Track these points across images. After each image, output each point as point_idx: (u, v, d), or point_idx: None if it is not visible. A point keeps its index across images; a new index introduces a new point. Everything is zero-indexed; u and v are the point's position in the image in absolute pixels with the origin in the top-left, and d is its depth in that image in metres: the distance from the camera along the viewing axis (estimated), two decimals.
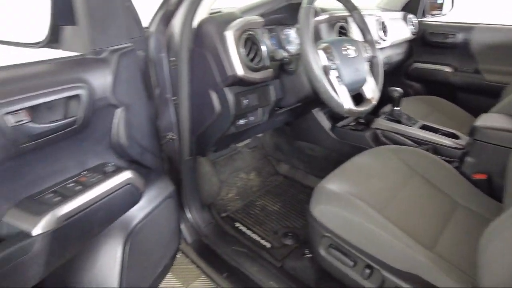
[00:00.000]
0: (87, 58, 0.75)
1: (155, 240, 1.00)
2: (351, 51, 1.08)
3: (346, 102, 1.01)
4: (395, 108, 1.53)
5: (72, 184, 0.71)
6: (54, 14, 0.75)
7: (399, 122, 1.50)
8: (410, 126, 1.47)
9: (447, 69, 2.00)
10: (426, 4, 2.13)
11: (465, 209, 0.98)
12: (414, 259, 0.81)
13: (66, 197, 0.67)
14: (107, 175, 0.74)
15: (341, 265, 0.94)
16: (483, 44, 1.85)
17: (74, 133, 0.71)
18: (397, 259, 0.83)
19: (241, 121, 1.14)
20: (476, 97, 1.92)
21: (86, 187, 0.70)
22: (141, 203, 0.87)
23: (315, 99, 1.13)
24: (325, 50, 1.01)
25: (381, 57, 1.23)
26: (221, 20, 0.99)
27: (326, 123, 1.62)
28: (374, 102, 1.16)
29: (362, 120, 1.64)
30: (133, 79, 0.83)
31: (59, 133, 0.67)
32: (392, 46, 1.86)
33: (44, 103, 0.64)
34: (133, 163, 0.88)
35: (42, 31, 0.78)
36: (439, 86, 2.05)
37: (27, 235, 0.61)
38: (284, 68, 1.12)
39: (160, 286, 1.07)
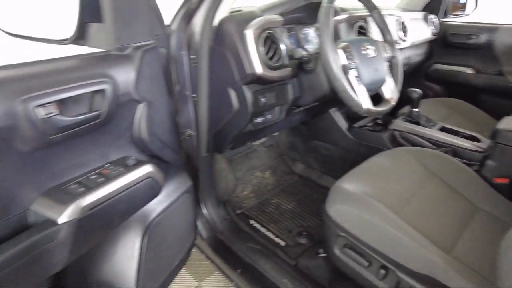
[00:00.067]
0: (112, 54, 0.78)
1: (172, 234, 1.02)
2: (370, 50, 1.08)
3: (364, 101, 1.00)
4: (414, 109, 1.50)
5: (95, 176, 0.73)
6: (81, 11, 0.77)
7: (417, 123, 1.48)
8: (429, 128, 1.45)
9: (469, 71, 1.95)
10: (448, 4, 2.09)
11: (485, 213, 0.97)
12: (431, 261, 0.80)
13: (90, 188, 0.70)
14: (129, 168, 0.76)
15: (356, 265, 0.94)
16: (508, 45, 1.80)
17: (98, 127, 0.73)
18: (413, 260, 0.83)
19: (259, 119, 1.15)
20: (498, 100, 1.87)
21: (109, 179, 0.73)
22: (160, 197, 0.89)
23: (333, 98, 1.13)
24: (344, 49, 1.01)
25: (400, 57, 1.22)
26: (241, 19, 1.00)
27: (343, 123, 1.61)
28: (393, 102, 1.15)
29: (379, 121, 1.62)
30: (155, 75, 0.85)
31: (84, 126, 0.69)
32: (412, 46, 1.83)
33: (71, 96, 0.66)
34: (153, 158, 0.90)
35: (69, 28, 0.80)
36: (460, 88, 2.00)
37: (53, 223, 0.63)
38: (302, 67, 1.12)
39: (174, 281, 1.09)
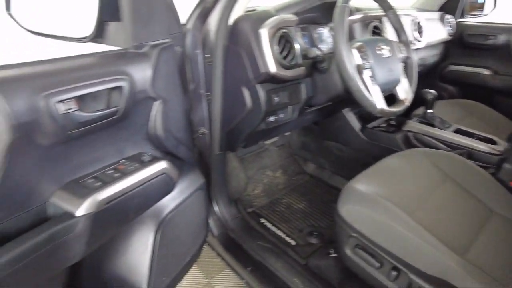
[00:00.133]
0: (129, 52, 0.79)
1: (185, 230, 1.03)
2: (385, 51, 1.07)
3: (378, 102, 1.00)
4: (428, 110, 1.49)
5: (111, 171, 0.75)
6: (101, 10, 0.79)
7: (432, 125, 1.46)
8: (444, 130, 1.43)
9: (486, 72, 1.92)
10: (465, 4, 2.05)
11: (501, 217, 0.95)
12: (443, 264, 0.79)
13: (106, 183, 0.71)
14: (144, 164, 0.78)
15: (367, 265, 0.93)
16: None
17: (115, 123, 0.75)
18: (425, 262, 0.82)
19: (271, 118, 1.15)
20: None
21: (124, 174, 0.74)
22: (173, 193, 0.91)
23: (346, 98, 1.12)
24: (359, 49, 1.01)
25: (415, 58, 1.21)
26: (256, 18, 1.01)
27: (356, 124, 1.60)
28: (407, 103, 1.14)
29: (393, 122, 1.61)
30: (171, 73, 0.86)
31: (102, 122, 0.71)
32: (427, 47, 1.81)
33: (90, 93, 0.68)
34: (167, 155, 0.92)
35: (88, 27, 0.82)
36: (476, 89, 1.97)
37: (71, 215, 0.65)
38: (316, 66, 1.12)
39: (184, 278, 1.10)
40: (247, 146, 1.41)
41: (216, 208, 1.33)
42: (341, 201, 0.99)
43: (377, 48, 1.05)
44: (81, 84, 0.66)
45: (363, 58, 1.00)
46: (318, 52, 1.08)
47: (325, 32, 1.23)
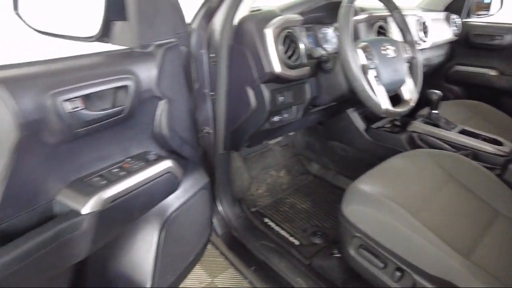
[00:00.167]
0: (135, 51, 0.80)
1: (189, 229, 1.04)
2: (390, 51, 1.07)
3: (383, 102, 1.00)
4: (433, 111, 1.48)
5: (116, 170, 0.76)
6: (107, 10, 0.80)
7: (437, 125, 1.46)
8: (449, 130, 1.42)
9: (492, 73, 1.90)
10: (471, 4, 2.04)
11: (506, 218, 0.94)
12: (448, 265, 0.79)
13: (111, 181, 0.72)
14: (149, 163, 0.78)
15: (371, 266, 0.93)
16: None
17: (120, 122, 0.75)
18: (430, 263, 0.82)
19: (276, 118, 1.15)
20: None
21: (130, 173, 0.75)
22: (178, 192, 0.91)
23: (351, 98, 1.12)
24: (364, 49, 1.01)
25: (420, 58, 1.20)
26: (261, 18, 1.01)
27: (360, 124, 1.60)
28: (412, 103, 1.14)
29: (397, 122, 1.60)
30: (176, 73, 0.87)
31: (108, 121, 0.72)
32: (433, 47, 1.80)
33: (96, 92, 0.68)
34: (172, 154, 0.92)
35: (94, 27, 0.83)
36: (482, 90, 1.96)
37: (77, 213, 0.66)
38: (321, 66, 1.12)
39: (188, 277, 1.11)
40: (251, 146, 1.41)
41: (220, 208, 1.33)
42: (345, 201, 0.99)
43: (382, 48, 1.05)
44: (88, 83, 0.67)
45: (368, 58, 1.00)
46: (323, 52, 1.08)
47: (329, 32, 1.23)
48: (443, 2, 2.03)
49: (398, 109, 1.08)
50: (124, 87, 0.73)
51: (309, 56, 1.08)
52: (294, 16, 1.06)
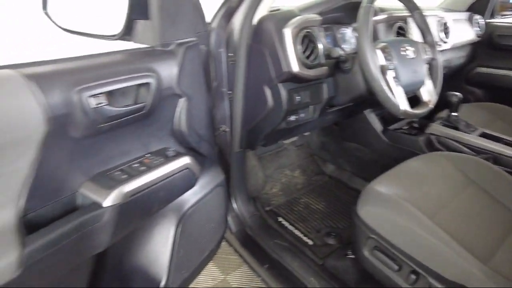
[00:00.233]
0: (157, 50, 0.82)
1: (204, 225, 1.05)
2: (409, 52, 1.06)
3: (402, 103, 0.99)
4: (453, 113, 1.45)
5: (137, 165, 0.77)
6: (130, 9, 0.82)
7: (456, 128, 1.43)
8: (469, 134, 1.39)
9: None
10: (496, 4, 1.99)
11: None
12: (465, 270, 0.77)
13: (132, 175, 0.74)
14: (168, 159, 0.80)
15: (385, 268, 0.93)
16: None
17: (141, 118, 0.77)
18: (446, 268, 0.81)
19: (292, 117, 1.16)
20: None
21: (149, 168, 0.76)
22: (195, 188, 0.93)
23: (368, 99, 1.12)
24: (383, 49, 1.00)
25: (441, 59, 1.19)
26: (280, 18, 1.02)
27: (377, 125, 1.58)
28: (431, 105, 1.12)
29: (415, 124, 1.58)
30: (195, 72, 0.88)
31: (130, 117, 0.74)
32: (454, 48, 1.76)
33: (119, 88, 0.70)
34: (190, 150, 0.94)
35: (117, 25, 0.85)
36: (505, 93, 1.90)
37: (99, 206, 0.68)
38: (339, 66, 1.12)
39: (201, 273, 1.12)
40: (266, 145, 1.42)
41: (234, 205, 1.34)
42: (361, 202, 0.98)
43: (401, 49, 1.04)
44: (111, 80, 0.69)
45: (387, 59, 0.99)
46: (341, 52, 1.08)
47: (348, 32, 1.22)
48: (466, 2, 1.99)
49: (417, 111, 1.07)
50: (146, 85, 0.75)
51: (327, 56, 1.08)
52: (313, 16, 1.06)
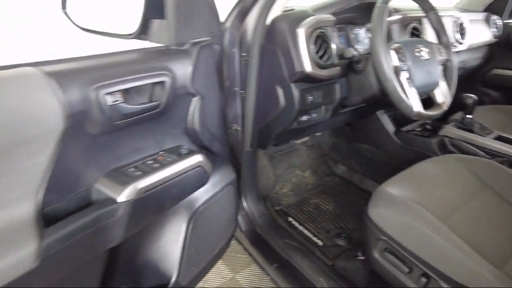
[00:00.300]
0: (171, 49, 0.83)
1: (214, 223, 1.06)
2: (424, 53, 1.05)
3: (415, 104, 0.98)
4: (467, 116, 1.43)
5: (151, 162, 0.79)
6: (146, 8, 0.83)
7: (470, 131, 1.41)
8: (483, 136, 1.37)
9: None
10: None
11: None
12: (478, 275, 0.76)
13: (146, 172, 0.75)
14: (182, 157, 0.81)
15: (396, 270, 0.92)
16: None
17: (156, 116, 0.79)
18: (458, 271, 0.80)
19: (304, 117, 1.16)
20: None
21: (163, 165, 0.78)
22: (206, 186, 0.94)
23: (381, 100, 1.11)
24: (397, 50, 0.99)
25: (456, 61, 1.17)
26: (293, 18, 1.02)
27: (390, 127, 1.57)
28: (445, 107, 1.11)
29: (429, 126, 1.56)
30: (209, 71, 0.89)
31: (145, 114, 0.75)
32: (470, 49, 1.73)
33: (135, 87, 0.72)
34: (202, 148, 0.95)
35: (133, 24, 0.87)
36: None
37: (113, 201, 0.69)
38: (352, 66, 1.12)
39: (210, 271, 1.13)
40: (277, 145, 1.42)
41: (244, 204, 1.35)
42: (372, 204, 0.98)
43: (415, 49, 1.03)
44: (128, 78, 0.70)
45: (400, 60, 0.99)
46: (355, 53, 1.07)
47: (361, 32, 1.22)
48: (483, 3, 1.95)
49: (430, 112, 1.06)
50: (161, 83, 0.76)
51: (341, 56, 1.08)
52: (327, 16, 1.06)
